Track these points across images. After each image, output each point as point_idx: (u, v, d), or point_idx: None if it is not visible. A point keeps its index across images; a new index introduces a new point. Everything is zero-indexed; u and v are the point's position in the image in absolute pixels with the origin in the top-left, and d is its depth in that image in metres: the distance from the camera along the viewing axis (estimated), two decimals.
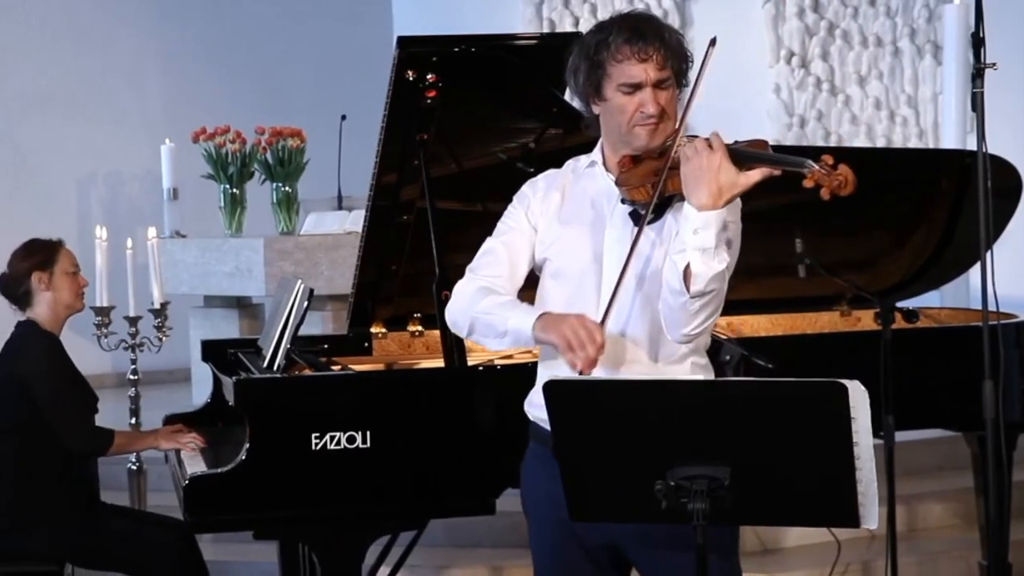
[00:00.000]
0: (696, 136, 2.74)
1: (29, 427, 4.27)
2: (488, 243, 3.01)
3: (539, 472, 2.93)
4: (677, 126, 2.80)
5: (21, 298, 4.41)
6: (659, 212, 2.79)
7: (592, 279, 2.84)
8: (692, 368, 2.86)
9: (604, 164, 2.91)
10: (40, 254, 4.42)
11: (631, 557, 2.91)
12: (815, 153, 2.71)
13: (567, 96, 3.45)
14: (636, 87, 2.77)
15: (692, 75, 2.82)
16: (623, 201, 2.83)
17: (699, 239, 2.63)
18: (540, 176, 3.03)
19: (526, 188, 3.01)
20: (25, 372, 4.29)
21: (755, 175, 2.65)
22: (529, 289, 3.00)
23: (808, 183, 2.62)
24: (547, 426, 2.77)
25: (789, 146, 4.69)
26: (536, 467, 2.95)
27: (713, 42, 2.80)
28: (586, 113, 2.90)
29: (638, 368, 2.82)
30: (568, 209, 2.93)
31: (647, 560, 2.89)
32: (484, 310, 2.89)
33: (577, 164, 2.98)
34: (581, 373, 2.70)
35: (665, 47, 2.77)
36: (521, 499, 3.05)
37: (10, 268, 4.44)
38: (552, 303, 2.89)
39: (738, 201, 2.73)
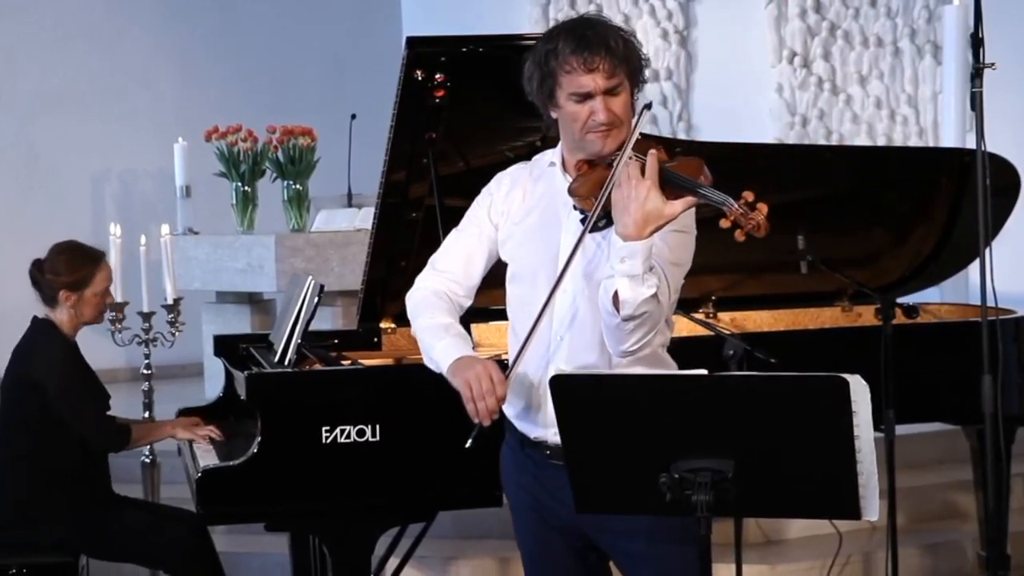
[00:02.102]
0: (649, 139, 2.71)
1: (41, 424, 4.29)
2: (451, 235, 3.04)
3: (509, 460, 3.02)
4: (623, 145, 2.74)
5: (47, 298, 4.40)
6: (611, 218, 2.71)
7: (545, 281, 2.83)
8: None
9: (563, 165, 2.89)
10: (77, 273, 4.37)
11: (591, 537, 2.92)
12: (739, 185, 2.64)
13: None
14: (586, 96, 2.74)
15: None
16: (575, 207, 2.82)
17: (625, 267, 2.61)
18: (507, 171, 3.03)
19: (492, 184, 3.02)
20: (40, 372, 4.30)
21: (679, 206, 2.61)
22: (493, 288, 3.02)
23: (725, 223, 2.60)
24: (515, 420, 2.91)
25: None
26: (508, 455, 3.03)
27: (648, 106, 2.79)
28: (545, 117, 2.87)
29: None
30: (527, 210, 2.93)
31: (604, 541, 2.92)
32: (422, 327, 2.93)
33: (540, 160, 2.97)
34: (480, 424, 2.74)
35: (611, 55, 2.72)
36: (503, 488, 3.12)
37: (46, 266, 4.39)
38: (511, 305, 2.94)
39: (691, 211, 2.70)
